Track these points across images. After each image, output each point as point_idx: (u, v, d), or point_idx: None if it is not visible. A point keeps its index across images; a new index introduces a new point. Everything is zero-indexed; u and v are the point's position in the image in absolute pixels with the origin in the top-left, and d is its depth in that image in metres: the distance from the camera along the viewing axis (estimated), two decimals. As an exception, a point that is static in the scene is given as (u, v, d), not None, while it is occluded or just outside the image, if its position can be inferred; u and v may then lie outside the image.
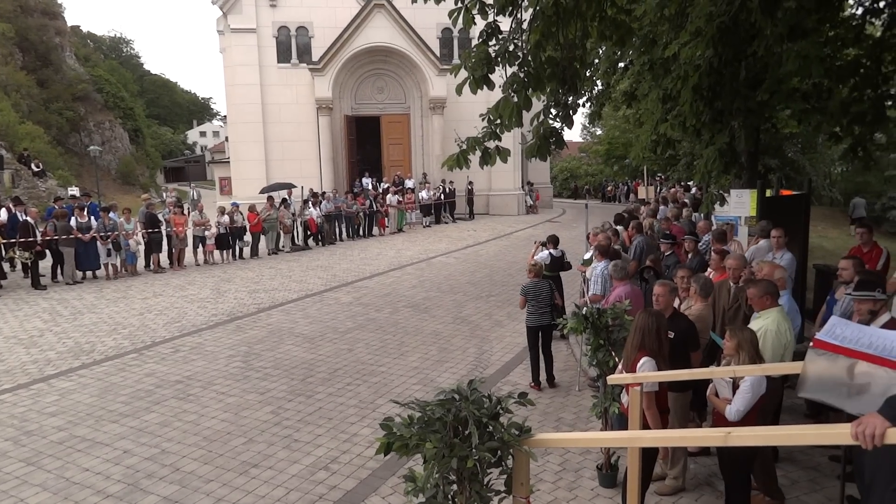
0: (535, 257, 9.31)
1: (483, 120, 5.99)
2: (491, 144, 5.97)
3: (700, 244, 9.01)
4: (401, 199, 23.36)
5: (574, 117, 6.19)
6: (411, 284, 13.74)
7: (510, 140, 24.05)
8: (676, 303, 6.07)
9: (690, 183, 24.95)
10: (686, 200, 16.98)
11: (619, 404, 4.90)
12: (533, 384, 7.53)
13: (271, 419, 6.74)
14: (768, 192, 9.79)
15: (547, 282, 7.73)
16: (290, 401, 7.23)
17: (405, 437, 2.89)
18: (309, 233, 19.93)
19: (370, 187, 25.23)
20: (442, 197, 25.59)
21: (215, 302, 12.33)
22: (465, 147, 5.89)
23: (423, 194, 24.77)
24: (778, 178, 14.16)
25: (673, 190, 26.50)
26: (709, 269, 7.78)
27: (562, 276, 9.60)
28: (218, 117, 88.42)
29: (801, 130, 16.31)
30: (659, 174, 40.54)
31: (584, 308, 5.62)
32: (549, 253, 9.52)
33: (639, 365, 4.51)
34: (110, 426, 6.62)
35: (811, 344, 3.67)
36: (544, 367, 7.63)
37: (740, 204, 9.70)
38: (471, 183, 26.88)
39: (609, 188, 45.31)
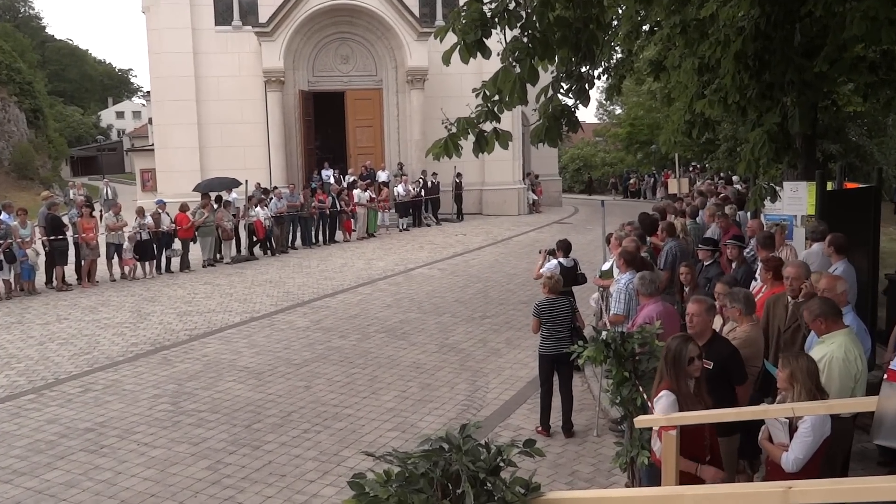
0: (541, 269, 9.31)
1: (477, 96, 5.98)
2: (487, 127, 5.97)
3: (747, 250, 9.06)
4: (371, 195, 23.34)
5: (590, 92, 6.22)
6: (385, 303, 13.70)
7: (510, 121, 24.13)
8: (718, 324, 6.09)
9: (734, 176, 25.16)
10: (728, 195, 17.11)
11: (650, 453, 4.89)
12: (541, 429, 7.52)
13: (207, 477, 6.65)
14: (829, 185, 9.91)
15: (567, 299, 7.73)
16: (232, 453, 7.15)
17: (381, 498, 2.86)
18: (255, 239, 19.80)
19: (332, 181, 25.13)
20: (423, 193, 25.60)
21: (136, 327, 12.21)
22: (454, 130, 5.88)
23: (400, 189, 24.77)
24: (840, 167, 14.34)
25: (709, 182, 26.76)
26: (755, 282, 7.84)
27: (574, 291, 9.61)
28: (139, 94, 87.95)
29: (868, 109, 16.56)
30: (694, 163, 41.04)
31: (605, 332, 5.62)
32: (558, 262, 9.52)
33: (655, 401, 4.51)
34: (2, 488, 6.49)
35: (885, 376, 3.69)
36: (561, 408, 7.62)
37: (795, 200, 9.78)
38: (459, 175, 26.95)
39: (632, 181, 45.75)
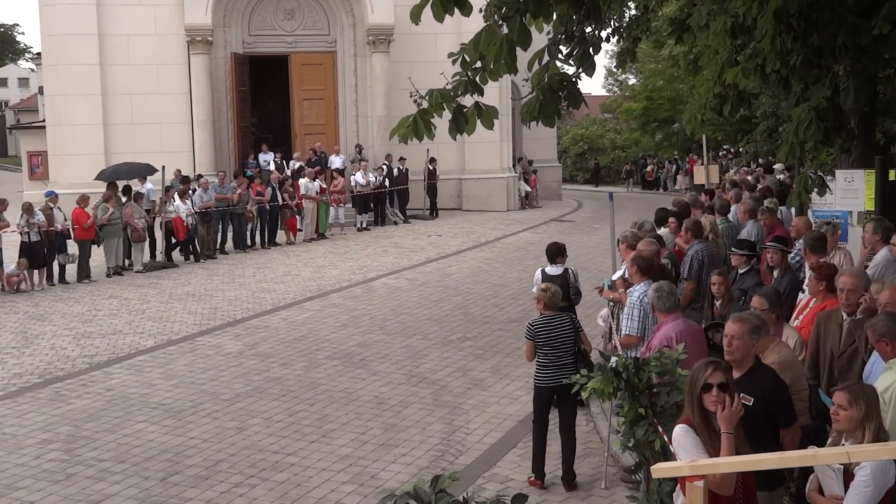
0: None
1: (454, 62, 5.97)
2: (467, 101, 5.97)
3: (792, 256, 9.13)
4: (322, 185, 23.27)
5: (596, 58, 6.24)
6: (339, 323, 13.66)
7: (496, 94, 24.20)
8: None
9: (774, 163, 25.42)
10: (769, 186, 17.27)
11: (671, 510, 4.90)
12: (534, 479, 7.51)
13: (112, 544, 6.57)
14: (893, 174, 10.02)
15: (568, 316, 7.76)
16: (144, 513, 7.06)
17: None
18: (174, 241, 19.64)
19: (272, 167, 24.95)
20: (387, 183, 25.58)
21: (20, 354, 12.06)
22: (425, 105, 5.87)
23: (358, 179, 24.71)
24: (905, 152, 14.57)
25: (744, 171, 27.05)
26: (802, 294, 7.90)
27: (581, 307, 9.62)
28: (27, 56, 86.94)
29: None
30: (726, 147, 41.42)
31: (614, 358, 5.63)
32: (543, 271, 9.58)
33: (674, 438, 4.52)
34: None
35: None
36: (560, 454, 7.62)
37: (850, 192, 9.90)
38: (432, 161, 26.94)
39: (649, 168, 46.13)
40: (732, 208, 12.94)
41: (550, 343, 7.49)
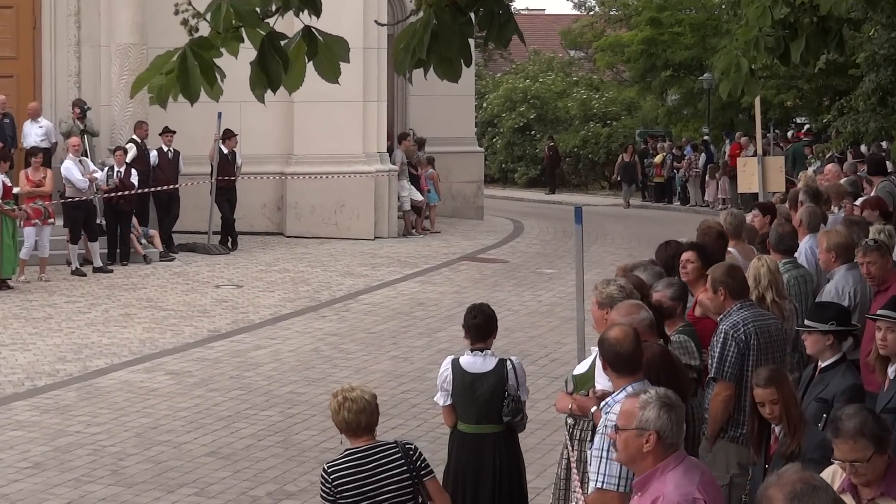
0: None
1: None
2: (289, 26, 5.99)
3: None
4: (6, 182, 23.02)
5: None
6: (28, 461, 13.56)
7: (353, 14, 24.51)
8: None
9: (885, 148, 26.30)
10: (879, 197, 17.71)
11: None
12: None
13: None
14: None
15: (397, 446, 7.84)
16: None
17: None
18: None
19: None
20: (135, 181, 25.52)
21: None
22: (200, 31, 5.86)
23: (72, 171, 24.47)
24: None
25: (833, 169, 27.75)
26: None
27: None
28: None
29: None
30: (801, 120, 42.32)
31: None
32: (456, 362, 9.76)
33: None
34: None
35: None
36: None
37: None
38: (227, 137, 26.98)
39: (657, 159, 46.18)
40: (805, 242, 13.21)
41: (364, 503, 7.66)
